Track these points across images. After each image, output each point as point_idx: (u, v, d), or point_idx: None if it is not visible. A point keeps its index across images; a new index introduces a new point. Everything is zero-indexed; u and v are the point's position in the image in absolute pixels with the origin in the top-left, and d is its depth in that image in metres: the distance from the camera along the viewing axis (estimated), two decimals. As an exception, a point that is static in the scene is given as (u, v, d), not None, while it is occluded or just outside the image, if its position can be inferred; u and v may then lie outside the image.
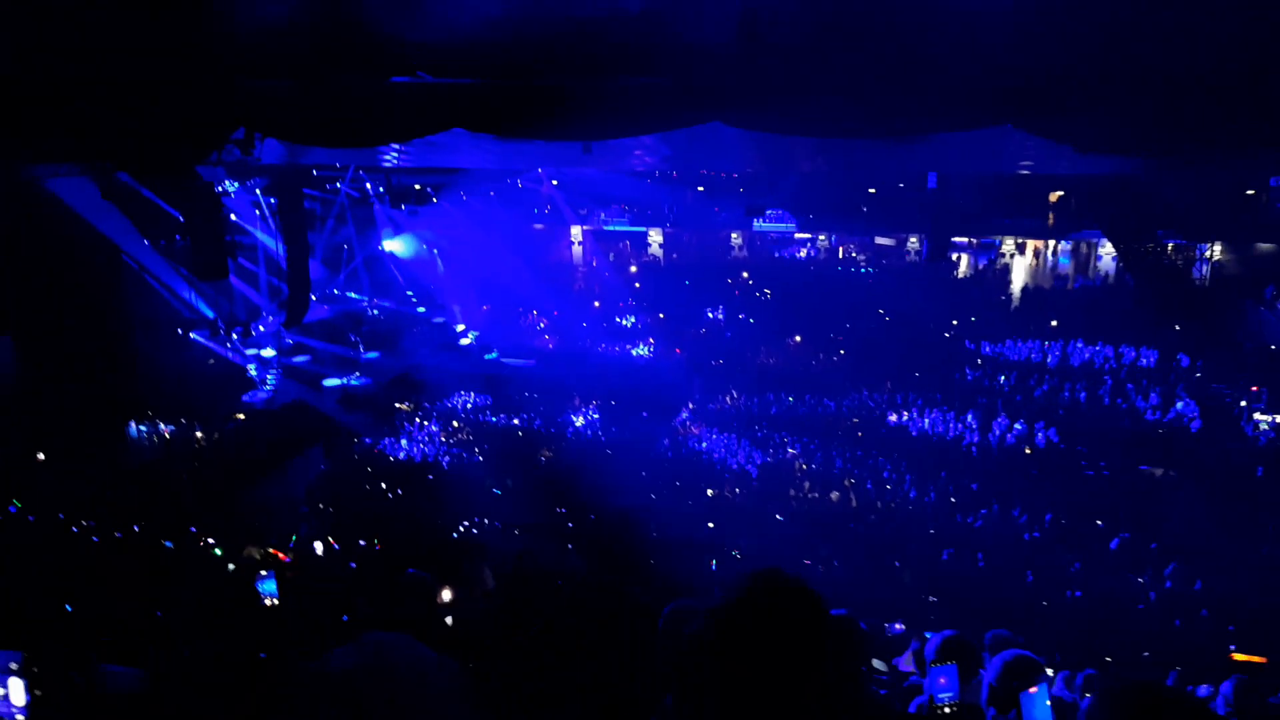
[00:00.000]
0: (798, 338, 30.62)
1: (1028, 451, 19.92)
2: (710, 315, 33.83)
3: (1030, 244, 34.63)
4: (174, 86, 8.67)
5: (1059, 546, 15.05)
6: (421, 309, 34.41)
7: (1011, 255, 35.03)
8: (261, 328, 27.17)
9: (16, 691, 6.42)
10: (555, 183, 34.63)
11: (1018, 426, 21.19)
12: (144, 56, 8.16)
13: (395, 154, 16.54)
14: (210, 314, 24.87)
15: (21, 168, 14.92)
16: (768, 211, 31.81)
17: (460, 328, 33.24)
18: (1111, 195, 22.44)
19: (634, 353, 31.28)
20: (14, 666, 6.05)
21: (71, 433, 18.91)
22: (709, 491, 18.45)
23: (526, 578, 11.02)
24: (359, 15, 7.77)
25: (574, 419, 23.84)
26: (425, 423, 23.93)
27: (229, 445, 21.51)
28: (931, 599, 13.44)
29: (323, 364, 29.01)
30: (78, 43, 7.82)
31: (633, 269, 38.68)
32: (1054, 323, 28.17)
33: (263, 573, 6.76)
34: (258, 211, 25.83)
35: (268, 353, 26.34)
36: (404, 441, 21.93)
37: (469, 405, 25.95)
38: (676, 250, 40.05)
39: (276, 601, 6.53)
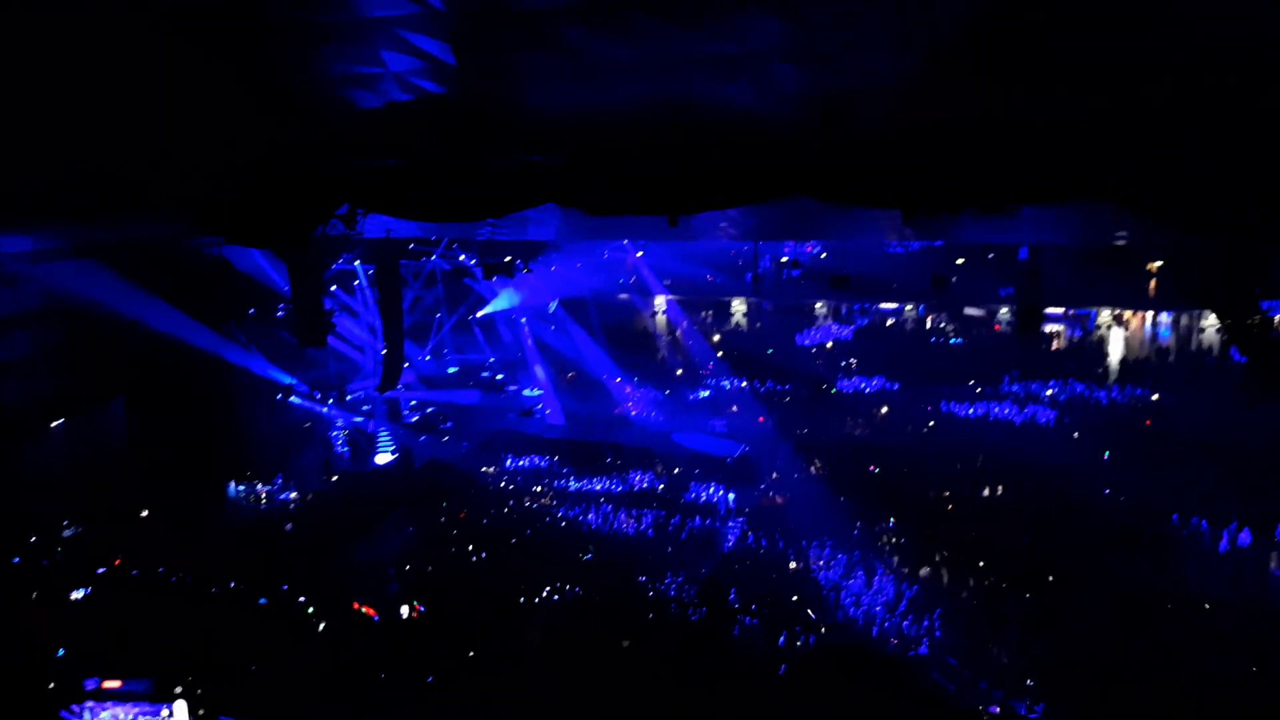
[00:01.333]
0: (885, 409, 30.16)
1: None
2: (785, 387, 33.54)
3: (1128, 315, 33.56)
4: (285, 167, 9.23)
5: (1165, 629, 14.31)
6: (499, 376, 35.12)
7: (1109, 327, 33.97)
8: (361, 393, 28.10)
9: (180, 713, 7.86)
10: (640, 254, 35.19)
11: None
12: (255, 138, 8.71)
13: (490, 227, 17.10)
14: (290, 380, 25.66)
15: (142, 241, 15.95)
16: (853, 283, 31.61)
17: (534, 392, 33.89)
18: (1215, 264, 21.67)
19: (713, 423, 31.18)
20: (179, 690, 7.38)
21: (175, 491, 19.74)
22: (792, 565, 18.12)
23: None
24: (459, 98, 8.16)
25: (657, 487, 23.83)
26: (509, 486, 24.22)
27: (323, 506, 22.12)
28: (1029, 683, 12.90)
29: (414, 430, 29.76)
30: (192, 121, 8.36)
31: (715, 338, 38.79)
32: (1155, 396, 27.19)
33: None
34: (355, 281, 26.94)
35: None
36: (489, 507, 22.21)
37: (550, 470, 26.18)
38: (760, 319, 40.06)
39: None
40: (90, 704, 10.11)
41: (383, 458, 26.80)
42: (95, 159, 8.98)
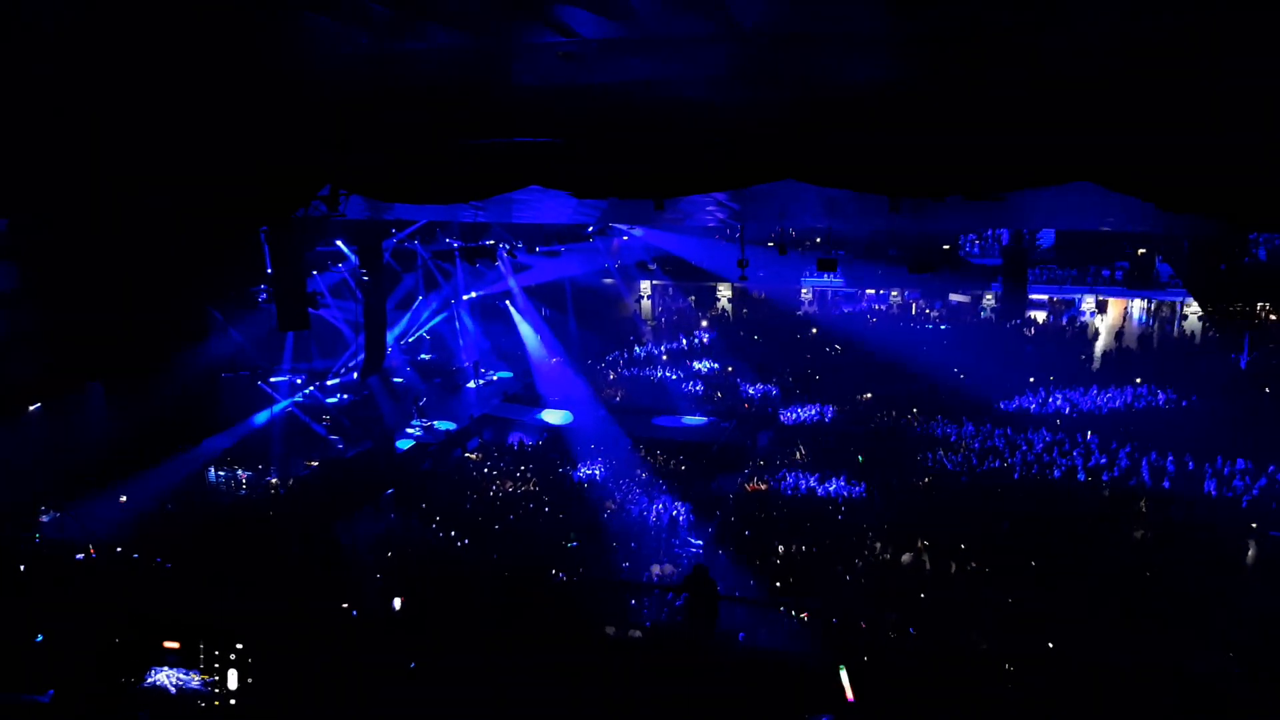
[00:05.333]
0: (868, 394, 30.15)
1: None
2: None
3: (1112, 302, 33.74)
4: (265, 145, 9.05)
5: (1147, 624, 14.34)
6: (480, 367, 35.05)
7: (1092, 313, 34.14)
8: (337, 377, 27.88)
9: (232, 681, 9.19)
10: (626, 238, 35.07)
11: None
12: (236, 116, 8.52)
13: (474, 209, 16.94)
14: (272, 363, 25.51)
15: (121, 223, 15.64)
16: (840, 266, 31.63)
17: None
18: (1199, 253, 21.82)
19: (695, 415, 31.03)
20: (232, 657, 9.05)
21: (154, 478, 19.51)
22: (780, 548, 18.11)
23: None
24: (443, 78, 8.00)
25: (639, 473, 23.75)
26: (492, 471, 24.06)
27: (302, 492, 21.92)
28: (1008, 666, 12.89)
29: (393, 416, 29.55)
30: (174, 98, 8.16)
31: (703, 323, 38.74)
32: (1138, 379, 27.33)
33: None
34: (340, 264, 26.72)
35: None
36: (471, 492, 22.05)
37: (533, 454, 26.03)
38: (746, 305, 40.04)
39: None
40: (152, 666, 10.45)
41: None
42: (70, 136, 8.77)
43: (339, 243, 25.53)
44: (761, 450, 26.25)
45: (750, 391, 31.75)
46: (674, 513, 20.54)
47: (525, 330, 34.68)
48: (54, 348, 17.69)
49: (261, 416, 25.01)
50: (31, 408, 18.87)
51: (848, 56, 7.12)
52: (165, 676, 10.34)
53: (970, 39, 6.53)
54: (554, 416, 29.59)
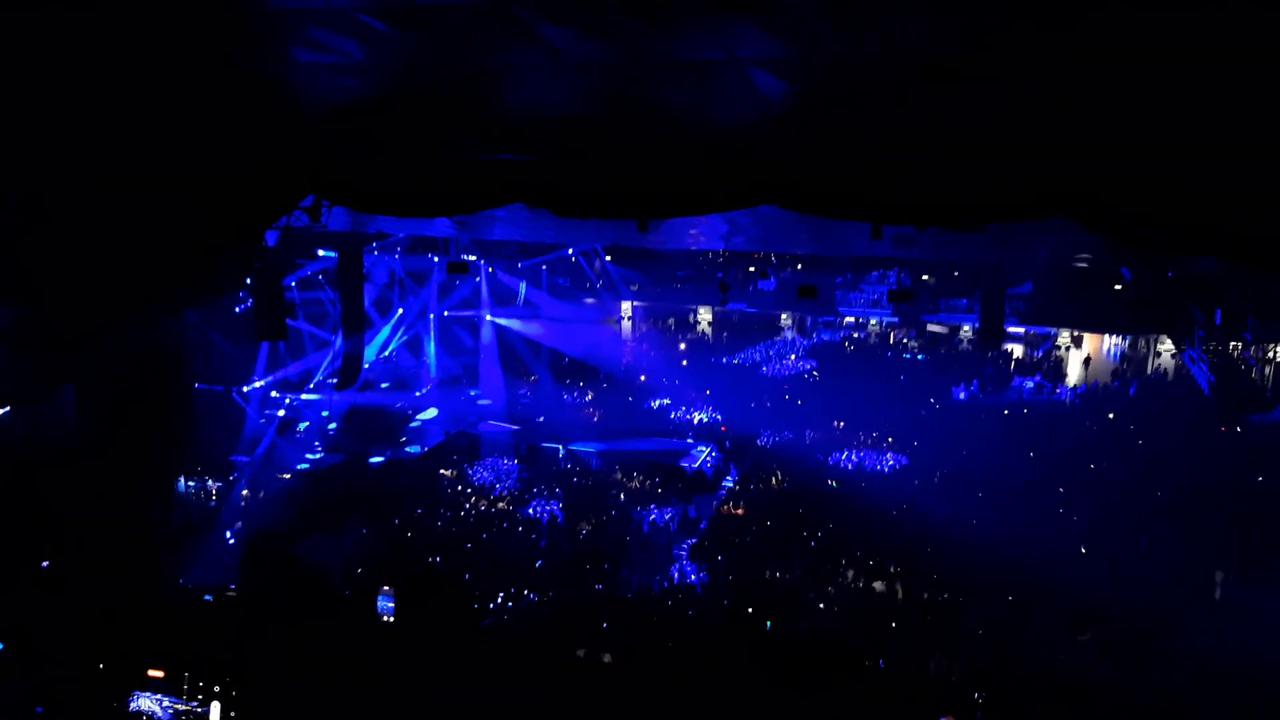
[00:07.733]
0: (840, 423, 30.17)
1: None
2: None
3: (1087, 337, 34.05)
4: (249, 154, 9.01)
5: (1116, 650, 14.39)
6: (459, 382, 34.86)
7: (1067, 348, 34.44)
8: (312, 387, 27.68)
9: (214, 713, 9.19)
10: (609, 258, 35.09)
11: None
12: (220, 123, 8.48)
13: (457, 225, 16.92)
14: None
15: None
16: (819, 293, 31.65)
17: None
18: (1172, 292, 22.08)
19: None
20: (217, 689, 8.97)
21: (122, 486, 19.19)
22: (763, 575, 18.04)
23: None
24: (430, 93, 8.02)
25: (619, 496, 23.64)
26: (469, 489, 23.88)
27: (274, 505, 21.66)
28: (977, 697, 12.93)
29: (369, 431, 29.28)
30: (159, 101, 8.11)
31: (681, 346, 38.77)
32: (1110, 414, 27.58)
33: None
34: (322, 277, 26.58)
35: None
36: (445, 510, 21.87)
37: (510, 476, 25.83)
38: (726, 328, 40.13)
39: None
40: (135, 691, 10.31)
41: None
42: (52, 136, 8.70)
43: (320, 250, 25.40)
44: (737, 474, 26.25)
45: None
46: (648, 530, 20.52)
47: (495, 346, 34.48)
48: (27, 349, 17.44)
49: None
50: (1, 410, 18.56)
51: (833, 84, 7.19)
52: (147, 702, 10.15)
53: (949, 64, 6.62)
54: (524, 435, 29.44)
